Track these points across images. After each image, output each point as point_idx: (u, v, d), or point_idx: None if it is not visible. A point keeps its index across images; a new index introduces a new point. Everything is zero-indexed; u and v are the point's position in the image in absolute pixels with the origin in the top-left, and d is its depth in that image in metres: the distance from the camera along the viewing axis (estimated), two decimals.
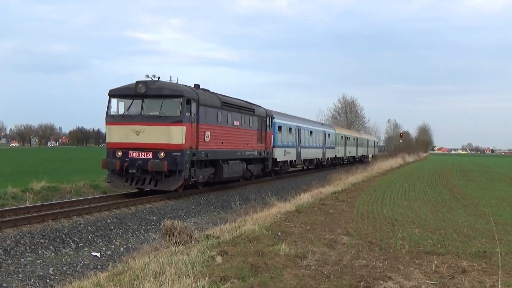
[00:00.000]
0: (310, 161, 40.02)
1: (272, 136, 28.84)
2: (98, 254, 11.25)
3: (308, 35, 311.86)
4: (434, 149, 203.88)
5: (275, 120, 29.80)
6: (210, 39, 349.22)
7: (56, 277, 9.35)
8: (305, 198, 17.57)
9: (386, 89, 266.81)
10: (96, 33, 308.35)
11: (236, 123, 23.22)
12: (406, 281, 7.02)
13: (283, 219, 12.67)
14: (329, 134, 45.36)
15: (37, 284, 8.90)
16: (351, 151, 57.58)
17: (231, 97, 24.29)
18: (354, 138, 60.45)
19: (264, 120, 27.27)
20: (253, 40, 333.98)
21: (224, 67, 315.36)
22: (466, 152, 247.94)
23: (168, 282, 6.50)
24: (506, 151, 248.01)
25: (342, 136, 52.14)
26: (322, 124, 49.13)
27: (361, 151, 64.91)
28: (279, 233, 10.63)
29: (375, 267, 7.88)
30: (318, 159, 41.84)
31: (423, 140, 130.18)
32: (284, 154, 31.73)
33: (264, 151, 27.11)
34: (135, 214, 15.88)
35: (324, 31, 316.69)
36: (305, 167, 41.07)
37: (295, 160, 34.61)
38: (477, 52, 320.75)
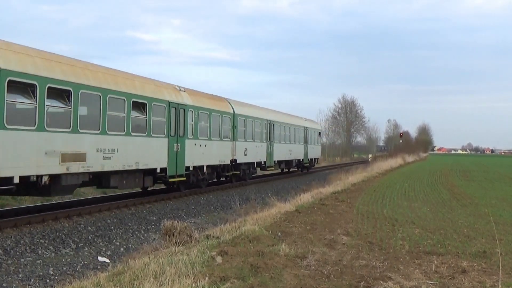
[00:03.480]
0: None
1: None
2: (108, 260, 10.98)
3: (308, 35, 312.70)
4: (434, 149, 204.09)
5: None
6: (211, 39, 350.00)
7: (56, 277, 9.34)
8: (305, 198, 17.56)
9: (386, 89, 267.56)
10: (97, 33, 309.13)
11: None
12: (406, 281, 7.02)
13: (283, 219, 12.67)
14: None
15: (37, 284, 8.89)
16: (199, 157, 21.04)
17: None
18: (211, 113, 22.21)
19: None
20: (254, 40, 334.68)
21: (224, 67, 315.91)
22: (466, 152, 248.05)
23: (168, 282, 6.50)
24: (506, 151, 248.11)
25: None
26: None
27: (236, 152, 24.97)
28: (279, 233, 10.63)
29: (375, 267, 7.88)
30: None
31: (423, 140, 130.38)
32: None
33: None
34: (135, 214, 15.90)
35: (325, 31, 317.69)
36: None
37: None
38: (477, 52, 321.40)
